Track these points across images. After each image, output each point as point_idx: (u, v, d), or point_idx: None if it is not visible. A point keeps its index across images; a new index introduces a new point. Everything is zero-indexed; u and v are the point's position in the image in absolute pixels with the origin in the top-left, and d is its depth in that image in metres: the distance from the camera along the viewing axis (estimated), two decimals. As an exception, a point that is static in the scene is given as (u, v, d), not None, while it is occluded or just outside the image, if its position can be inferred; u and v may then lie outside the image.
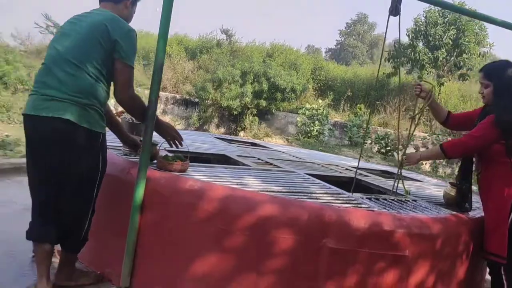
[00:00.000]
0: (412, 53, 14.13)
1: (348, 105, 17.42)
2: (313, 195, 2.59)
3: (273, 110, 14.40)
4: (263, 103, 13.69)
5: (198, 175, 2.59)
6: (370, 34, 48.69)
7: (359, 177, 3.47)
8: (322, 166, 3.79)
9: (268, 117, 14.83)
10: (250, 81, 13.34)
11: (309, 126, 13.43)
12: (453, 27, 13.83)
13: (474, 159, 2.89)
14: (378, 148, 13.98)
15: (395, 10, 2.74)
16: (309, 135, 13.45)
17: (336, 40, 48.44)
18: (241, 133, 13.82)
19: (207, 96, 12.55)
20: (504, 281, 2.70)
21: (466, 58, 14.34)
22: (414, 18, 14.77)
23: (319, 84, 17.64)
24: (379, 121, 16.08)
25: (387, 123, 16.26)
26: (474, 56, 14.25)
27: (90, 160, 2.33)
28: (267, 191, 2.47)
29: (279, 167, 3.28)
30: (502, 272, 2.71)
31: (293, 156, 4.17)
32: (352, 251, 2.31)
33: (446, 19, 14.18)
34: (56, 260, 2.60)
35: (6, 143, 6.84)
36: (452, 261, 2.62)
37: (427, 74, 15.04)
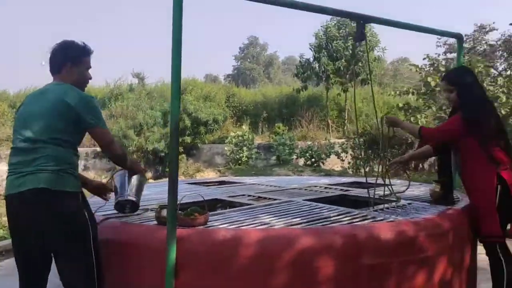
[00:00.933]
0: (317, 66, 15.08)
1: (266, 126, 17.99)
2: (331, 218, 2.70)
3: (198, 144, 14.38)
4: (188, 139, 13.64)
5: (218, 224, 2.57)
6: (264, 54, 50.87)
7: (345, 193, 3.68)
8: (305, 189, 3.92)
9: (193, 152, 14.76)
10: (172, 120, 13.20)
11: (237, 154, 13.60)
12: (350, 37, 15.06)
13: (452, 158, 3.21)
14: (304, 161, 14.53)
15: (360, 35, 3.00)
16: (239, 162, 13.61)
17: (233, 65, 49.89)
18: (171, 173, 13.52)
19: (131, 143, 12.17)
20: (501, 257, 3.01)
21: (361, 66, 15.80)
22: (315, 33, 15.79)
23: (234, 111, 18.03)
24: (298, 136, 16.82)
25: (305, 136, 17.06)
26: (371, 62, 15.63)
27: (75, 222, 2.34)
28: (292, 225, 2.54)
29: (276, 199, 3.35)
30: (498, 250, 3.02)
31: (270, 185, 4.25)
32: (386, 263, 2.45)
33: (344, 31, 15.39)
34: None
35: None
36: (460, 251, 2.88)
37: (333, 84, 16.14)
